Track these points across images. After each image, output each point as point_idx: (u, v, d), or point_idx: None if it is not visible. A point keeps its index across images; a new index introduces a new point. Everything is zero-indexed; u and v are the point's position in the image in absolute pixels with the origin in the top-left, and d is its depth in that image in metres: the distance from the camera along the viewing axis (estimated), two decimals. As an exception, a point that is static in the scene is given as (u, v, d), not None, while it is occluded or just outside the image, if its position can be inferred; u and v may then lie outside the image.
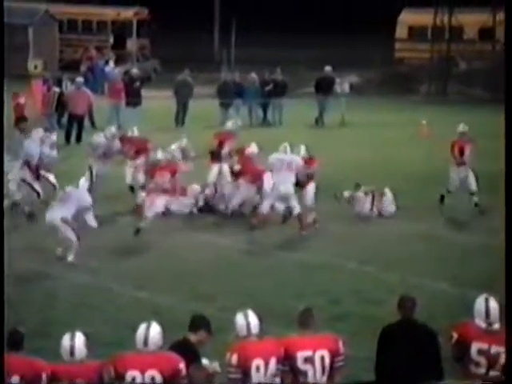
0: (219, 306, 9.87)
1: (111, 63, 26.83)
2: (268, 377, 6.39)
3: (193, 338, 6.70)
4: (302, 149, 13.66)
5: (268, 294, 10.54)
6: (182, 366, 6.29)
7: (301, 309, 6.78)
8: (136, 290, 10.70)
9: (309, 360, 6.50)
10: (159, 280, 11.15)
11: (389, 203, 13.90)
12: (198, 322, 6.77)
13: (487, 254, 12.15)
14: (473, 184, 14.29)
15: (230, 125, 15.34)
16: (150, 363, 6.25)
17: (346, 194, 13.78)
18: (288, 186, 12.93)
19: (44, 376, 6.28)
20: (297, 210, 13.02)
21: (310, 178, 13.41)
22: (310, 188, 13.42)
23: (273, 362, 6.42)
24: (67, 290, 10.72)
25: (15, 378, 6.23)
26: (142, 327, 6.37)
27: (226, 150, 14.51)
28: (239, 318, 6.58)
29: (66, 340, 6.36)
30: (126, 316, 9.57)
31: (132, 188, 14.70)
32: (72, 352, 6.31)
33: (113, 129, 15.10)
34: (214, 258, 12.06)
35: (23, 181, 13.75)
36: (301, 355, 6.49)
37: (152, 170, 13.24)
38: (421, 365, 6.71)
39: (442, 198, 14.59)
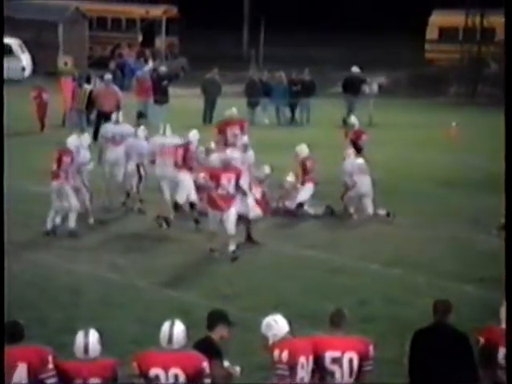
0: (245, 306, 9.87)
1: (150, 62, 26.35)
2: (308, 374, 6.39)
3: (214, 335, 6.69)
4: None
5: (295, 295, 10.52)
6: (205, 364, 6.28)
7: (332, 309, 6.73)
8: (162, 288, 10.72)
9: (336, 361, 6.47)
10: (185, 278, 11.17)
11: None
12: (214, 318, 6.73)
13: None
14: None
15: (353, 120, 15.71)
16: (173, 361, 6.23)
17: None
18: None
19: (50, 358, 6.29)
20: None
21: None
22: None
23: (311, 359, 6.44)
24: (93, 287, 10.77)
25: (22, 366, 6.22)
26: (166, 325, 6.36)
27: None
28: (272, 321, 6.56)
29: (79, 337, 6.34)
30: (151, 314, 9.59)
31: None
32: (86, 349, 6.29)
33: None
34: (241, 258, 12.06)
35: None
36: (329, 355, 6.47)
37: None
38: (455, 369, 6.62)
39: None
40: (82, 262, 11.62)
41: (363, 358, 6.52)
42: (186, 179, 13.10)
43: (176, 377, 6.22)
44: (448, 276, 11.17)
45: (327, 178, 14.48)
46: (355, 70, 24.40)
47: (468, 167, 17.98)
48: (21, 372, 6.21)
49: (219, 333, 6.66)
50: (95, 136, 20.52)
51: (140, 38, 33.79)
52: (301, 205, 13.93)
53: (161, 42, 34.00)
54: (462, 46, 30.12)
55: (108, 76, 21.65)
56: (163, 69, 24.08)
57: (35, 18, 30.77)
